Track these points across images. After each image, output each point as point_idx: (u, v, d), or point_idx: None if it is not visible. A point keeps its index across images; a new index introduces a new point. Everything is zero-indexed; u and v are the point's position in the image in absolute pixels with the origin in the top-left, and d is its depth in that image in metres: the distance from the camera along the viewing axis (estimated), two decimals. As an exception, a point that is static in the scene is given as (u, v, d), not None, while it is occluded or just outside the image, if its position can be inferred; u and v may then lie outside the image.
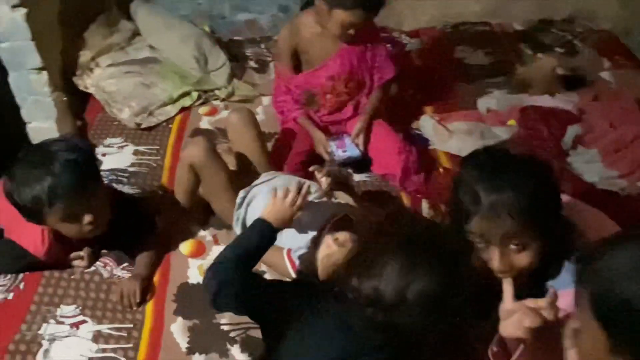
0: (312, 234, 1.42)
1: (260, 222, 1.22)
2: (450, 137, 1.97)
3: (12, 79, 2.08)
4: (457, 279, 0.87)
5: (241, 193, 1.58)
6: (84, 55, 2.25)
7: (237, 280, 1.09)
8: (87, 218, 1.35)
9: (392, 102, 2.00)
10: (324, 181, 1.46)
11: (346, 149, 1.83)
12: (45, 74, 2.05)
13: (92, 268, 1.48)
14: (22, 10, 1.91)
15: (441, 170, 1.86)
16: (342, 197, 1.58)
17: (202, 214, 1.67)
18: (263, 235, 1.21)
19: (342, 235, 1.32)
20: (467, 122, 2.03)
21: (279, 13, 2.71)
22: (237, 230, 1.57)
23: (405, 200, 1.75)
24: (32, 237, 1.44)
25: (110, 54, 2.28)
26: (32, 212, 1.35)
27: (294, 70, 1.86)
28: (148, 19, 2.42)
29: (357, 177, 1.83)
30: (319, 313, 1.00)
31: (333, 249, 1.30)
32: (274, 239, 1.24)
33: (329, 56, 1.79)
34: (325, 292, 1.05)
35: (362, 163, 1.85)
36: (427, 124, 2.03)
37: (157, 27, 2.38)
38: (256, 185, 1.60)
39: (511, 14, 2.76)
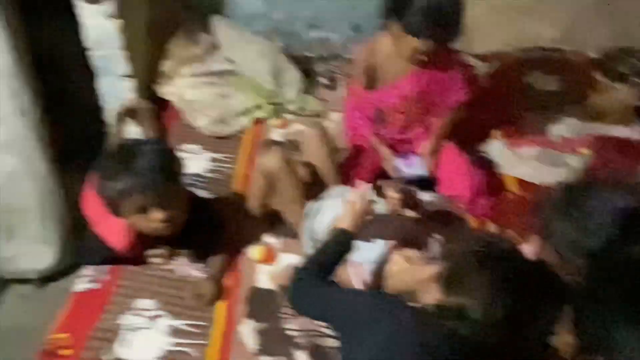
0: (378, 247, 1.45)
1: (338, 231, 1.27)
2: (519, 162, 1.96)
3: (101, 84, 2.22)
4: (546, 301, 0.88)
5: (310, 205, 1.64)
6: (166, 65, 2.38)
7: (316, 286, 1.14)
8: (162, 215, 1.43)
9: (461, 124, 2.01)
10: (393, 197, 1.49)
11: (413, 167, 1.85)
12: (132, 81, 2.18)
13: (169, 266, 1.56)
14: (117, 21, 2.05)
15: (509, 195, 1.85)
16: (409, 214, 1.60)
17: (271, 222, 1.73)
18: (339, 242, 1.25)
19: (412, 254, 1.35)
20: (538, 148, 2.01)
21: (351, 32, 2.77)
22: (305, 240, 1.62)
23: (472, 222, 1.75)
24: (115, 232, 1.53)
25: (190, 64, 2.40)
26: (114, 206, 1.44)
27: (368, 88, 1.91)
28: (226, 33, 2.54)
29: (423, 196, 1.84)
30: (392, 323, 1.03)
31: (403, 266, 1.32)
32: (351, 245, 1.28)
33: (401, 76, 1.82)
34: (397, 302, 1.07)
35: (428, 182, 1.87)
36: (495, 148, 2.03)
37: (234, 42, 2.50)
38: (325, 198, 1.65)
39: (586, 41, 2.71)
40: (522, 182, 1.88)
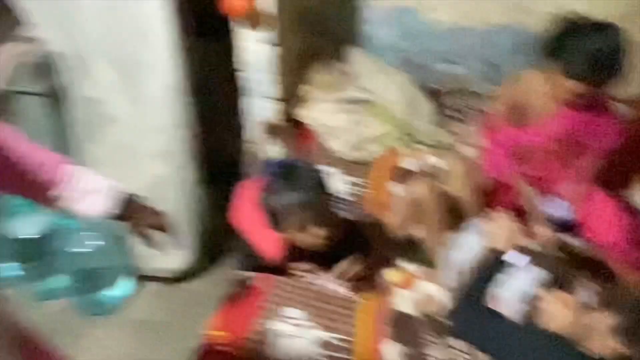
0: (528, 278, 1.44)
1: (489, 250, 1.29)
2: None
3: (247, 104, 2.40)
4: None
5: (451, 236, 1.67)
6: (306, 91, 2.53)
7: (477, 313, 1.16)
8: (322, 232, 1.53)
9: (606, 169, 1.96)
10: (544, 233, 1.48)
11: (556, 209, 1.83)
12: (280, 104, 2.34)
13: (316, 280, 1.65)
14: (277, 49, 2.23)
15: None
16: (557, 254, 1.59)
17: (410, 248, 1.78)
18: (491, 263, 1.28)
19: (568, 298, 1.34)
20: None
21: (485, 68, 2.79)
22: (444, 270, 1.65)
23: (625, 274, 1.68)
24: (269, 242, 1.65)
25: (328, 91, 2.53)
26: (275, 219, 1.56)
27: (512, 124, 1.92)
28: (363, 63, 2.65)
29: (569, 240, 1.81)
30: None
31: (559, 308, 1.32)
32: (503, 267, 1.29)
33: (549, 116, 1.82)
34: (565, 346, 1.07)
35: (570, 226, 1.83)
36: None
37: (371, 71, 2.60)
38: (466, 230, 1.67)
39: None
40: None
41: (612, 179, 1.99)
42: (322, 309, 1.56)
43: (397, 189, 2.09)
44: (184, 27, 2.17)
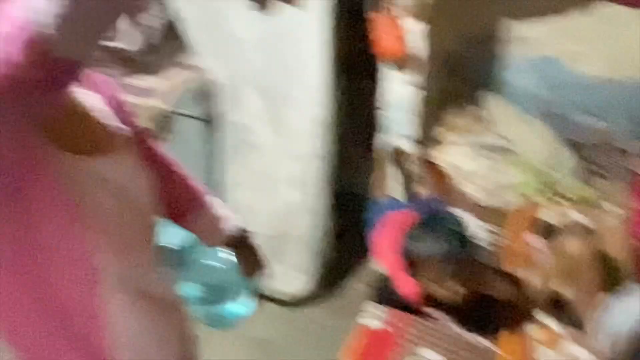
0: None
1: None
2: None
3: (383, 142, 2.46)
4: None
5: (605, 298, 1.57)
6: (442, 133, 2.54)
7: None
8: (456, 287, 1.52)
9: None
10: None
11: None
12: (416, 144, 2.37)
13: (454, 326, 1.63)
14: (417, 90, 2.27)
15: None
16: None
17: (554, 307, 1.70)
18: None
19: None
20: None
21: (631, 125, 2.65)
22: (597, 335, 1.56)
23: None
24: (407, 285, 1.66)
25: (464, 135, 2.52)
26: (415, 266, 1.57)
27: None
28: (501, 110, 2.62)
29: None
30: None
31: None
32: None
33: None
34: None
35: None
36: None
37: (509, 119, 2.57)
38: (625, 294, 1.57)
39: None
40: None
41: None
42: (460, 356, 1.53)
43: (537, 243, 2.02)
44: (335, 66, 2.29)
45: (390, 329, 1.62)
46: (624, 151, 2.55)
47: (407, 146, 2.41)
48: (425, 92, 2.29)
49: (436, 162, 2.48)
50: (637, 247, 1.89)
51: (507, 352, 1.57)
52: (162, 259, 1.17)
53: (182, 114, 2.41)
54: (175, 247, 2.48)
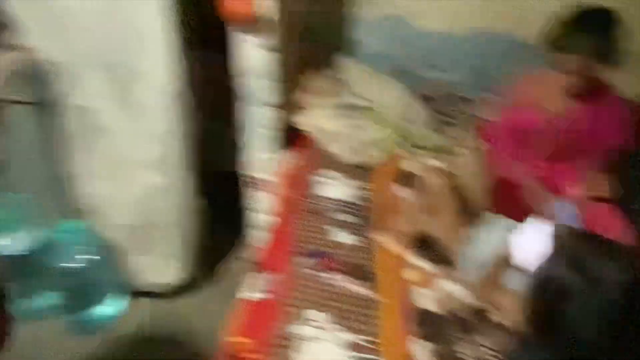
0: None
1: None
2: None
3: (244, 112, 2.37)
4: None
5: (472, 229, 1.67)
6: (302, 97, 2.52)
7: None
8: None
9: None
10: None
11: (561, 215, 1.85)
12: (278, 111, 2.32)
13: (331, 280, 1.63)
14: (277, 55, 2.21)
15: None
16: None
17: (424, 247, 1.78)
18: None
19: None
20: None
21: (472, 73, 2.85)
22: (465, 264, 1.65)
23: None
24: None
25: (324, 97, 2.52)
26: None
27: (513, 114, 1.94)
28: (354, 70, 2.67)
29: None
30: None
31: None
32: None
33: (560, 117, 1.84)
34: None
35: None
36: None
37: (363, 78, 2.62)
38: (484, 225, 1.68)
39: None
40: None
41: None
42: (344, 310, 1.53)
43: (402, 191, 2.09)
44: (182, 34, 2.14)
45: (272, 297, 1.57)
46: (468, 100, 2.74)
47: (269, 114, 2.34)
48: (281, 56, 2.23)
49: (299, 127, 2.46)
50: (491, 182, 2.05)
51: (387, 297, 1.60)
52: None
53: (10, 101, 2.10)
54: (22, 253, 2.19)
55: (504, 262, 1.49)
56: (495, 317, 1.54)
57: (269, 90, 2.27)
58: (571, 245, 1.06)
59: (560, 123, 1.82)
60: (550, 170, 1.95)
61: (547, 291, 1.01)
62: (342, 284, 1.63)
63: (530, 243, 1.44)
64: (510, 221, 1.70)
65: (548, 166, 1.95)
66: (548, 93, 1.82)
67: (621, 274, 0.96)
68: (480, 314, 1.56)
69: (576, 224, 1.82)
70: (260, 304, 1.56)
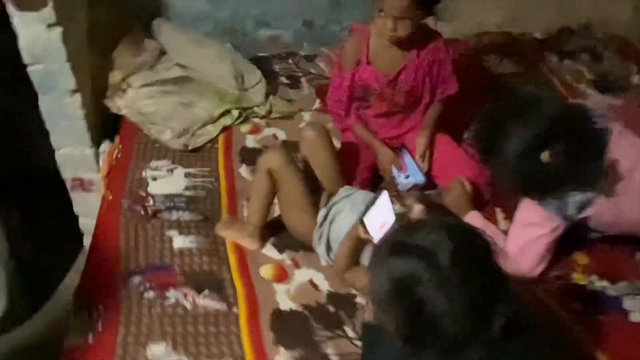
0: None
1: None
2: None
3: (44, 103, 1.95)
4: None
5: (322, 211, 1.52)
6: (114, 76, 2.14)
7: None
8: None
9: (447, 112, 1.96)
10: (417, 208, 1.39)
11: (409, 173, 1.78)
12: (79, 96, 1.93)
13: (172, 300, 1.38)
14: (58, 29, 1.79)
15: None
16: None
17: (276, 236, 1.60)
18: None
19: None
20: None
21: (303, 28, 2.66)
22: (319, 250, 1.50)
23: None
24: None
25: (140, 74, 2.17)
26: None
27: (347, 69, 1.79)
28: (173, 37, 2.33)
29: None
30: None
31: None
32: None
33: (394, 70, 1.73)
34: None
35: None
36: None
37: (184, 45, 2.29)
38: (337, 201, 1.54)
39: (530, 22, 2.79)
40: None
41: (451, 122, 2.01)
42: (192, 335, 1.31)
43: (244, 170, 1.88)
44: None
45: (100, 340, 1.29)
46: (305, 58, 2.56)
47: (74, 102, 1.95)
48: (66, 29, 1.82)
49: (120, 112, 2.10)
50: (339, 152, 1.90)
51: (244, 305, 1.41)
52: None
53: None
54: None
55: (357, 238, 1.36)
56: (360, 299, 1.43)
57: (63, 74, 1.87)
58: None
59: (394, 75, 1.72)
60: (393, 126, 1.86)
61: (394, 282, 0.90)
62: (188, 300, 1.40)
63: (379, 215, 1.33)
64: (365, 193, 1.58)
65: (391, 122, 1.85)
66: (379, 44, 1.69)
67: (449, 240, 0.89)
68: (346, 300, 1.43)
69: (422, 180, 1.76)
70: (88, 350, 1.27)
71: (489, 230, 1.46)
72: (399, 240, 0.93)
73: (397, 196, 1.51)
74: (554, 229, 1.35)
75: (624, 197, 1.32)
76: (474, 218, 1.53)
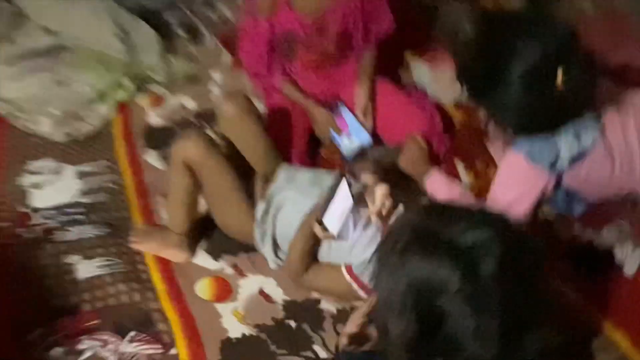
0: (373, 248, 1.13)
1: None
2: (451, 84, 1.72)
3: None
4: None
5: (262, 204, 1.23)
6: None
7: None
8: None
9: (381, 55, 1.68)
10: (380, 191, 1.14)
11: (351, 133, 1.50)
12: None
13: (88, 353, 1.07)
14: None
15: (456, 124, 1.62)
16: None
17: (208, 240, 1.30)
18: None
19: None
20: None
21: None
22: (265, 251, 1.23)
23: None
24: None
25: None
26: None
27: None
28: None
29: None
30: None
31: None
32: None
33: (319, 11, 1.42)
34: None
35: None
36: (422, 74, 1.76)
37: (49, 3, 1.81)
38: (277, 189, 1.25)
39: None
40: (462, 108, 1.64)
41: (388, 65, 1.74)
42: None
43: (155, 158, 1.52)
44: None
45: None
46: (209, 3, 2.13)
47: None
48: None
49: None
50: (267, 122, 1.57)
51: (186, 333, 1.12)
52: None
53: None
54: None
55: (313, 237, 1.11)
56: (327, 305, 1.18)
57: None
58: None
59: (320, 16, 1.40)
60: (326, 79, 1.56)
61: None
62: (109, 350, 1.09)
63: (337, 207, 1.08)
64: (309, 173, 1.30)
65: (323, 75, 1.55)
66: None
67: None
68: (307, 309, 1.19)
69: (368, 140, 1.50)
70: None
71: (454, 192, 1.25)
72: (428, 231, 0.69)
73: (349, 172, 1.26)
74: (543, 185, 1.17)
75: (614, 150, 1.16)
76: (437, 179, 1.30)
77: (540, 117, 1.06)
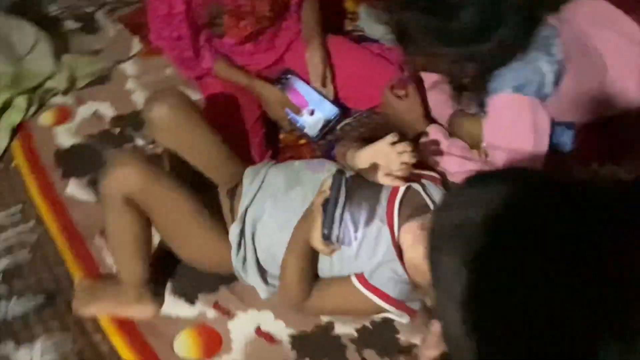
0: (382, 247, 0.91)
1: None
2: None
3: None
4: None
5: (235, 227, 0.97)
6: None
7: None
8: None
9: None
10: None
11: (312, 107, 1.25)
12: None
13: None
14: None
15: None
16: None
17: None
18: None
19: None
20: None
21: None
22: (250, 279, 0.98)
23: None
24: None
25: None
26: None
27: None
28: None
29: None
30: None
31: None
32: None
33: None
34: None
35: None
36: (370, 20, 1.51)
37: None
38: (248, 201, 0.99)
39: None
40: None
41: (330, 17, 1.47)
42: None
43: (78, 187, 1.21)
44: None
45: None
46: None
47: None
48: None
49: None
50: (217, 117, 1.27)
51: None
52: None
53: None
54: None
55: (310, 252, 0.90)
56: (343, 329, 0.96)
57: None
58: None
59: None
60: (265, 49, 1.29)
61: None
62: None
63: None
64: (275, 170, 1.04)
65: (261, 45, 1.27)
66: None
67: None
68: (321, 341, 0.96)
69: (335, 112, 1.25)
70: None
71: (457, 146, 1.04)
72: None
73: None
74: (536, 113, 0.99)
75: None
76: (436, 131, 1.09)
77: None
